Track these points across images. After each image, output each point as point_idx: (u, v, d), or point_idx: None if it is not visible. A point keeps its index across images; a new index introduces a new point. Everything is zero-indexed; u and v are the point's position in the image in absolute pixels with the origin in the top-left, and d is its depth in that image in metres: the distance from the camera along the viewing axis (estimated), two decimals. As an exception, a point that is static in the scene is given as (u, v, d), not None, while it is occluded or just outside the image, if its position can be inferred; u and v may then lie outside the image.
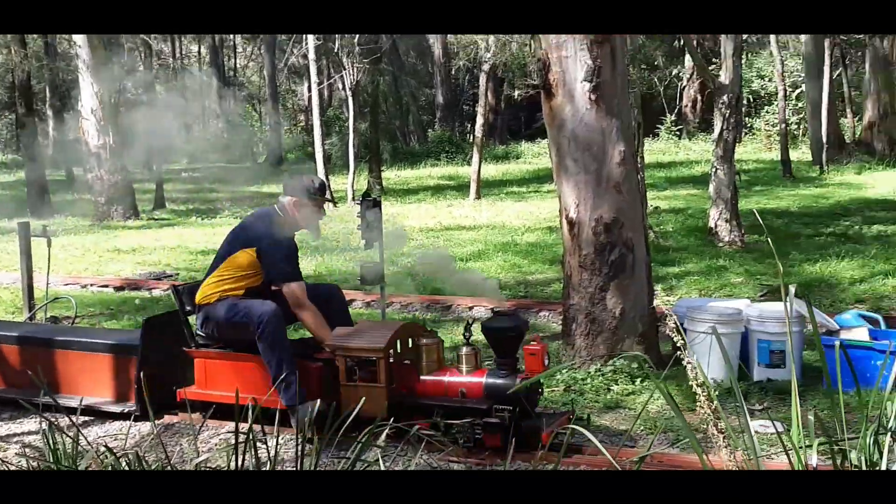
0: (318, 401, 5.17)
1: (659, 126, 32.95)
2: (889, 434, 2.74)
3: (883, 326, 6.94)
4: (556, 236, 13.57)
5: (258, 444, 3.11)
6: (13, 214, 19.61)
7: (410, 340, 5.72)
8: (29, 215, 19.69)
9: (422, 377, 5.54)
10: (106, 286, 11.38)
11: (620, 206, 6.92)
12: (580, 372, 6.73)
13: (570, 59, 6.87)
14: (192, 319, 6.11)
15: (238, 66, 53.04)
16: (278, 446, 3.30)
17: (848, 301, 9.11)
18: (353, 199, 21.20)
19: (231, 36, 49.61)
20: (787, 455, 2.63)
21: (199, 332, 6.00)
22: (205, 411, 5.72)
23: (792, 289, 2.99)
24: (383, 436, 3.58)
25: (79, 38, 19.38)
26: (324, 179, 6.72)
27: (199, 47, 49.69)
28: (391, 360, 5.49)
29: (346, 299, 6.78)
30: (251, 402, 3.36)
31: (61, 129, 36.86)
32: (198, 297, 5.90)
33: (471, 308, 9.36)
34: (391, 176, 27.64)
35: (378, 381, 5.35)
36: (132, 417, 5.61)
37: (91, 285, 11.42)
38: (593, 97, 6.83)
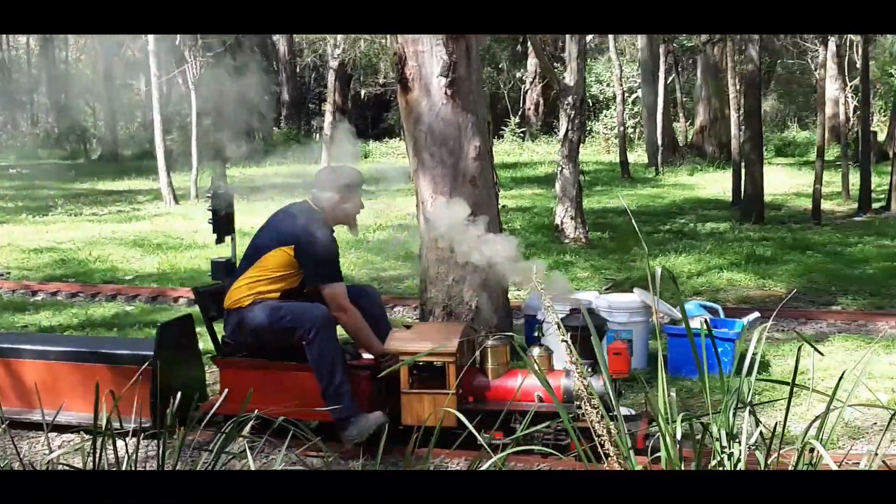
0: (380, 413, 4.89)
1: (503, 128, 33.55)
2: (747, 408, 2.87)
3: (722, 316, 7.30)
4: (408, 234, 13.64)
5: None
6: None
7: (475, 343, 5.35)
8: None
9: (492, 382, 5.18)
10: (-72, 286, 10.77)
11: (476, 200, 7.00)
12: (438, 365, 6.78)
13: (426, 53, 6.92)
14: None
15: (70, 58, 51.01)
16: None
17: (687, 293, 9.55)
18: (197, 196, 20.75)
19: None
20: (660, 428, 2.72)
21: (226, 339, 5.50)
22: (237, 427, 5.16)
23: (659, 272, 3.09)
24: (247, 428, 3.51)
25: None
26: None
27: (28, 39, 47.59)
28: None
29: (382, 301, 6.32)
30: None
31: None
32: (228, 301, 5.42)
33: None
34: (236, 173, 27.11)
35: (447, 388, 4.93)
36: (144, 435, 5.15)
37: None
38: (449, 92, 6.90)
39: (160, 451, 3.13)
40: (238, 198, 7.38)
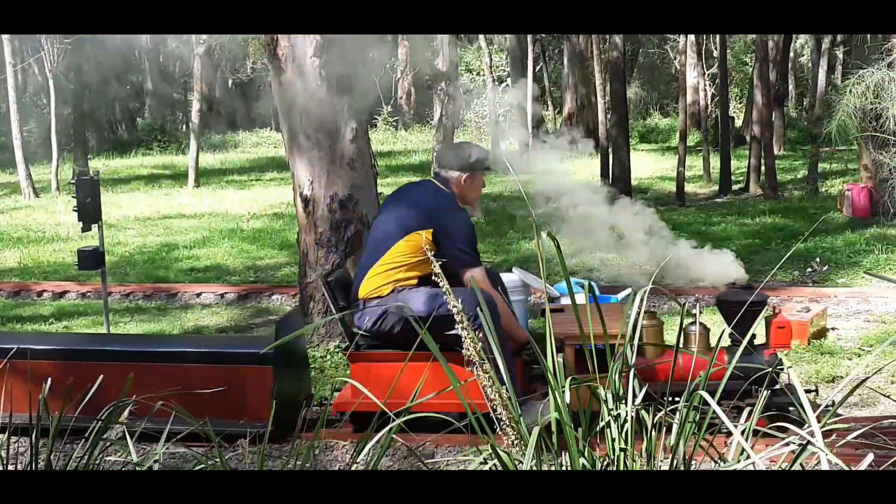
0: (548, 399, 4.48)
1: (376, 117, 33.52)
2: (632, 370, 2.94)
3: (598, 293, 7.47)
4: (283, 223, 13.58)
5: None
6: None
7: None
8: None
9: (652, 362, 4.86)
10: None
11: (355, 183, 7.00)
12: (319, 350, 6.74)
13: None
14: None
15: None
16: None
17: (561, 273, 9.74)
18: (58, 188, 20.09)
19: None
20: (552, 393, 2.76)
21: (362, 330, 5.05)
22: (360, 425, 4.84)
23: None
24: (125, 413, 3.42)
25: None
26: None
27: None
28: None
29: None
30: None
31: None
32: (363, 291, 5.02)
33: (198, 295, 9.12)
34: (99, 165, 26.35)
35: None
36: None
37: None
38: (322, 73, 6.85)
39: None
40: (103, 188, 7.20)
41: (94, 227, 6.79)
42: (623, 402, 2.82)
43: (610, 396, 2.88)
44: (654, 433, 2.73)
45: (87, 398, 3.83)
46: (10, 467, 3.39)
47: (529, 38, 26.40)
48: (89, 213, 6.73)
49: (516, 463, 2.62)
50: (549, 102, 32.18)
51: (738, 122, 25.82)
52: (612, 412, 2.80)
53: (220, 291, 9.18)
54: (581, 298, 6.73)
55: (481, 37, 25.70)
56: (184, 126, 32.14)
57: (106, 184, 21.35)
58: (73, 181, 7.02)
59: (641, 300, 3.10)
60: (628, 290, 7.63)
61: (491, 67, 25.93)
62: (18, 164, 20.15)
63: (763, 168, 16.11)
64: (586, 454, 2.67)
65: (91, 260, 6.85)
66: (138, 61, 38.45)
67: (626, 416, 2.79)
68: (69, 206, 6.81)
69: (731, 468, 2.52)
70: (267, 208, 15.84)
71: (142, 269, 10.59)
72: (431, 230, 4.97)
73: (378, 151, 27.56)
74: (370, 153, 7.37)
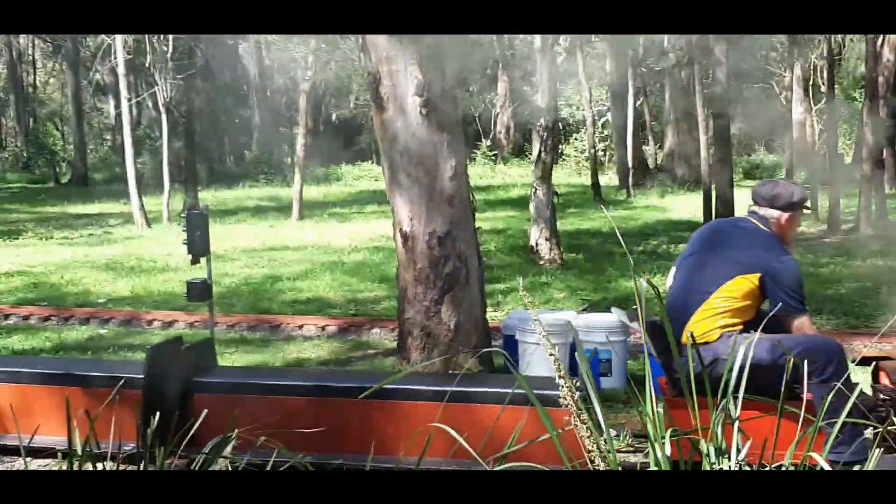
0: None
1: (475, 151, 33.64)
2: (735, 424, 2.86)
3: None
4: (383, 255, 13.66)
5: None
6: None
7: None
8: None
9: None
10: None
11: (453, 219, 7.01)
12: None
13: (401, 73, 6.92)
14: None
15: (38, 82, 50.69)
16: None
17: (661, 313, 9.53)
18: (169, 219, 20.65)
19: (30, 51, 47.41)
20: (650, 445, 2.71)
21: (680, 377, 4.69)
22: None
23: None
24: (229, 447, 3.46)
25: None
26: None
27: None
28: None
29: None
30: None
31: None
32: (694, 336, 4.49)
33: (300, 327, 9.23)
34: (208, 196, 27.03)
35: None
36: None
37: None
38: (424, 111, 6.90)
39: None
40: (212, 219, 7.34)
41: (203, 260, 6.96)
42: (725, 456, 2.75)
43: (713, 450, 2.81)
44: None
45: (192, 431, 3.92)
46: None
47: (630, 71, 26.20)
48: (198, 247, 6.88)
49: None
50: (650, 137, 31.82)
51: (848, 160, 25.08)
52: (714, 466, 2.73)
53: (322, 324, 9.25)
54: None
55: (580, 71, 25.60)
56: (289, 159, 32.73)
57: (214, 215, 21.86)
58: (183, 214, 7.18)
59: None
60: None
61: (590, 102, 25.83)
62: (132, 194, 20.76)
63: (873, 207, 15.60)
64: None
65: (199, 292, 6.99)
66: (246, 95, 39.47)
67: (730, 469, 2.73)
68: (179, 237, 6.95)
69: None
70: (367, 241, 15.94)
71: (247, 300, 10.73)
72: (759, 274, 4.75)
73: (476, 185, 27.64)
74: (469, 190, 7.38)
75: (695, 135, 22.80)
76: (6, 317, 10.10)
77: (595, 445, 2.63)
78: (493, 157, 34.51)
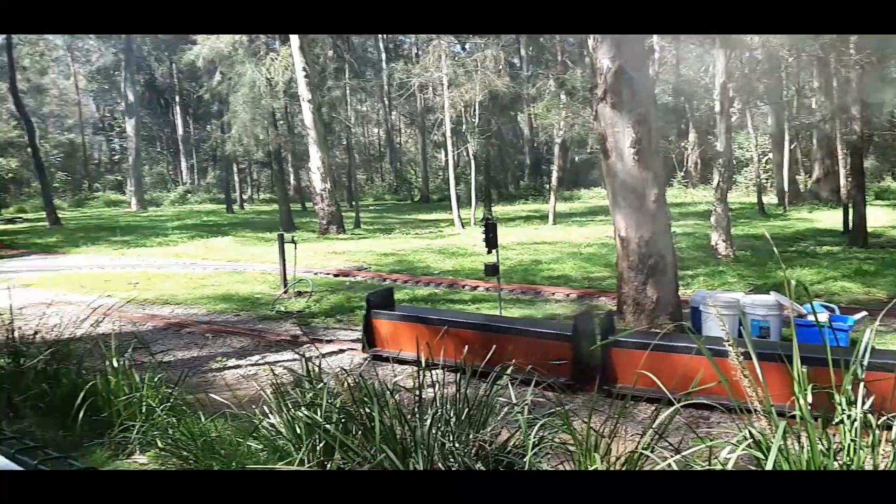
0: None
1: (672, 179, 31.89)
2: (861, 382, 2.52)
3: (837, 313, 6.50)
4: (607, 249, 13.27)
5: None
6: (273, 229, 20.36)
7: None
8: (281, 229, 20.43)
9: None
10: (328, 273, 11.59)
11: (655, 229, 6.71)
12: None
13: (620, 133, 6.70)
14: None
15: (401, 141, 53.66)
16: None
17: (809, 297, 8.57)
18: (475, 223, 21.24)
19: (398, 122, 50.24)
20: (797, 397, 2.44)
21: None
22: None
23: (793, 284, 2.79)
24: (509, 369, 3.52)
25: (308, 121, 19.95)
26: None
27: (348, 106, 50.42)
28: None
29: None
30: None
31: (298, 178, 38.17)
32: None
33: (553, 293, 9.18)
34: (498, 210, 27.56)
35: None
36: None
37: (319, 273, 11.63)
38: (636, 158, 6.64)
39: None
40: (499, 223, 7.44)
41: (494, 252, 7.10)
42: (853, 405, 2.43)
43: (844, 400, 2.50)
44: (878, 431, 2.33)
45: (488, 356, 4.03)
46: (438, 391, 3.59)
47: (786, 125, 23.78)
48: (491, 243, 7.04)
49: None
50: (802, 170, 28.63)
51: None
52: (844, 412, 2.42)
53: (567, 292, 9.15)
54: (824, 316, 5.91)
55: (749, 124, 23.57)
56: (547, 185, 32.62)
57: (501, 221, 22.38)
58: (482, 222, 7.33)
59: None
60: (864, 313, 6.57)
61: (756, 146, 23.78)
62: (453, 208, 21.54)
63: None
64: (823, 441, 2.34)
65: (492, 270, 7.14)
66: (522, 146, 39.71)
67: (855, 416, 2.40)
68: (480, 235, 7.12)
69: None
70: (597, 239, 15.55)
71: (520, 275, 10.79)
72: None
73: (672, 202, 26.26)
74: (666, 207, 7.02)
75: (836, 168, 20.32)
76: (383, 280, 10.82)
77: (753, 390, 2.42)
78: (686, 184, 32.54)
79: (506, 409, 3.57)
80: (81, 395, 4.05)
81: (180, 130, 47.87)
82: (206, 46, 23.70)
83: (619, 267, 6.97)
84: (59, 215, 27.25)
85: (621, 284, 6.89)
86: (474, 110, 22.21)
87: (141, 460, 3.80)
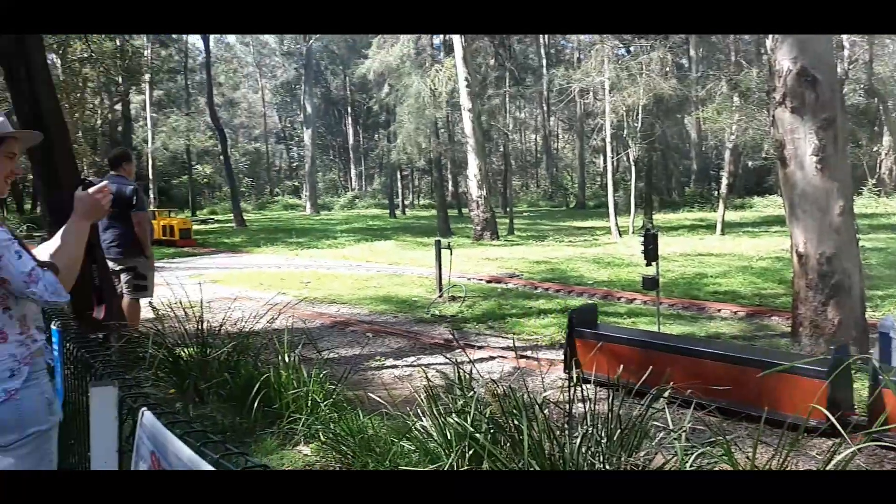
0: None
1: (862, 187, 28.67)
2: None
3: None
4: (782, 264, 12.20)
5: None
6: (431, 234, 21.07)
7: None
8: (438, 234, 21.08)
9: None
10: (480, 279, 11.74)
11: (839, 244, 6.06)
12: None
13: (801, 139, 6.13)
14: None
15: (558, 147, 53.15)
16: None
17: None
18: (633, 232, 20.51)
19: (556, 129, 49.85)
20: None
21: None
22: None
23: None
24: (667, 392, 3.32)
25: (468, 129, 20.37)
26: None
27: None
28: None
29: None
30: None
31: (457, 185, 39.14)
32: None
33: (718, 310, 8.60)
34: (659, 218, 26.40)
35: None
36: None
37: (472, 278, 11.80)
38: (819, 167, 6.05)
39: None
40: (660, 234, 7.10)
41: (654, 264, 6.80)
42: None
43: None
44: None
45: (645, 375, 3.86)
46: (589, 408, 3.48)
47: None
48: (650, 255, 6.74)
49: None
50: None
51: None
52: None
53: (734, 310, 8.52)
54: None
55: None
56: (715, 192, 30.69)
57: (662, 230, 21.41)
58: (642, 232, 7.05)
59: None
60: None
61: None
62: (611, 215, 20.97)
63: None
64: None
65: (650, 283, 6.84)
66: (688, 150, 37.69)
67: None
68: (638, 246, 6.84)
69: None
70: (770, 252, 14.32)
71: (682, 289, 10.23)
72: None
73: (861, 213, 23.58)
74: (853, 220, 6.31)
75: None
76: (535, 288, 10.76)
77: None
78: (878, 192, 29.13)
79: (661, 434, 3.40)
80: (257, 386, 4.44)
81: (351, 140, 51.08)
82: (376, 60, 25.10)
83: (795, 285, 6.38)
84: (245, 217, 30.15)
85: (797, 304, 6.29)
86: (637, 114, 21.45)
87: (305, 451, 4.08)
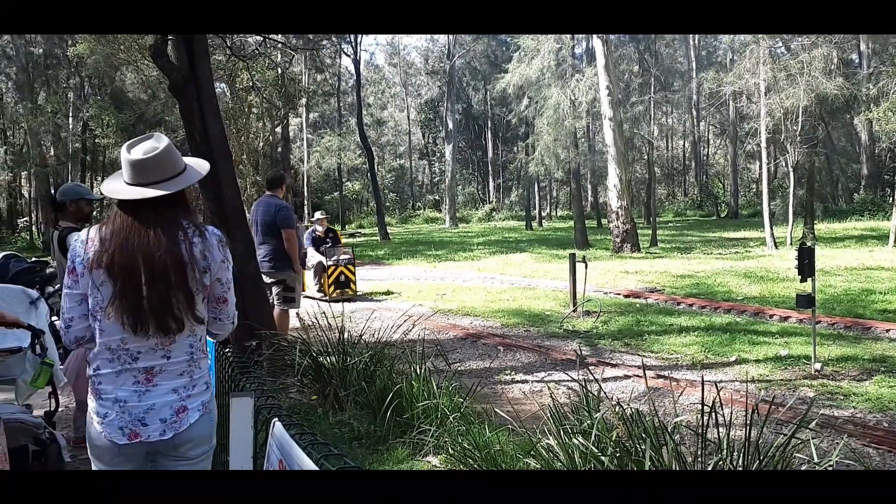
0: None
1: None
2: None
3: None
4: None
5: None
6: (567, 246, 20.78)
7: None
8: (575, 247, 20.73)
9: None
10: (618, 294, 11.44)
11: None
12: None
13: None
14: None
15: (709, 153, 50.43)
16: None
17: None
18: (791, 243, 18.93)
19: (707, 134, 47.29)
20: None
21: None
22: None
23: None
24: None
25: (608, 138, 19.91)
26: None
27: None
28: None
29: None
30: None
31: (596, 195, 38.34)
32: None
33: (887, 331, 7.73)
34: (822, 227, 24.16)
35: None
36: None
37: (609, 293, 11.53)
38: None
39: None
40: (823, 245, 6.53)
41: (809, 280, 6.27)
42: None
43: None
44: None
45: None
46: (725, 435, 3.24)
47: None
48: (806, 271, 6.24)
49: None
50: None
51: None
52: None
53: (907, 330, 7.66)
54: None
55: None
56: (891, 198, 27.54)
57: (825, 241, 19.56)
58: (797, 247, 6.54)
59: None
60: None
61: None
62: (766, 225, 19.55)
63: None
64: None
65: (805, 301, 6.32)
66: (859, 154, 34.24)
67: None
68: (795, 260, 6.33)
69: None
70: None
71: (845, 306, 9.28)
72: None
73: None
74: None
75: None
76: (678, 304, 10.28)
77: None
78: None
79: (804, 468, 3.12)
80: (390, 395, 4.63)
81: (490, 153, 51.72)
82: (516, 74, 25.28)
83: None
84: (389, 231, 31.46)
85: None
86: (796, 117, 19.83)
87: (434, 462, 4.19)
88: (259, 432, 2.20)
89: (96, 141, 32.69)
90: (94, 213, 5.04)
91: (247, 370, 2.68)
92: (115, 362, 2.06)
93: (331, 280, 11.47)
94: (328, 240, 12.13)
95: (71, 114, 33.27)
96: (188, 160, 2.27)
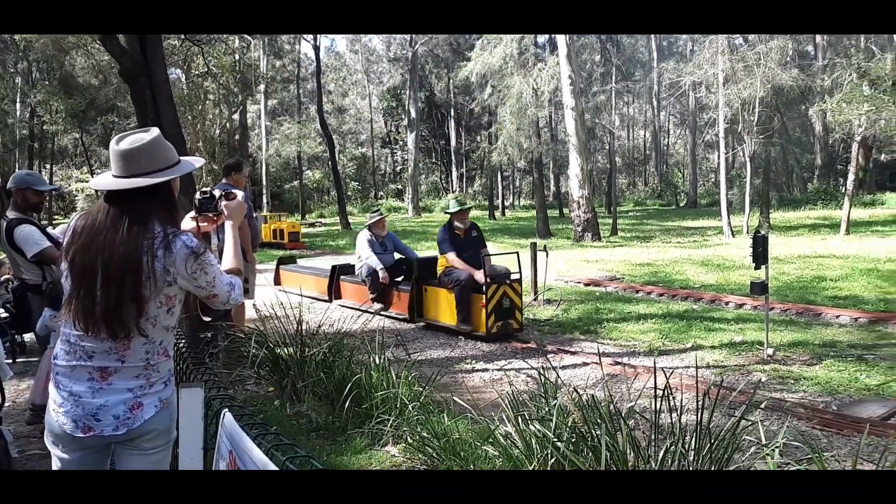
0: None
1: None
2: None
3: None
4: (914, 266, 11.19)
5: None
6: (529, 235, 20.94)
7: None
8: (537, 236, 20.91)
9: None
10: (579, 282, 11.56)
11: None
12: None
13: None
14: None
15: (667, 143, 51.28)
16: None
17: None
18: (747, 231, 19.44)
19: (667, 125, 48.02)
20: None
21: None
22: None
23: None
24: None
25: (570, 128, 20.08)
26: None
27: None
28: None
29: None
30: None
31: (558, 185, 38.70)
32: None
33: (837, 316, 8.01)
34: (777, 216, 24.84)
35: None
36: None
37: (569, 281, 11.63)
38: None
39: None
40: (777, 233, 6.72)
41: (763, 268, 6.45)
42: None
43: None
44: None
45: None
46: (677, 419, 3.33)
47: None
48: (759, 259, 6.41)
49: None
50: None
51: None
52: None
53: (855, 315, 7.92)
54: None
55: None
56: (842, 189, 28.51)
57: (780, 230, 20.14)
58: (751, 235, 6.71)
59: None
60: None
61: None
62: (723, 214, 20.02)
63: None
64: None
65: (759, 289, 6.50)
66: (812, 144, 35.22)
67: None
68: (750, 249, 6.49)
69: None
70: (901, 253, 13.17)
71: (797, 293, 9.60)
72: None
73: None
74: None
75: None
76: (636, 291, 10.46)
77: None
78: None
79: (753, 449, 3.23)
80: (349, 386, 4.63)
81: (453, 142, 51.66)
82: (478, 62, 25.27)
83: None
84: (350, 220, 31.24)
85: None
86: (753, 107, 20.32)
87: (392, 452, 4.21)
88: (210, 424, 2.18)
89: (44, 128, 31.65)
90: (44, 203, 4.90)
91: (201, 362, 2.64)
92: (72, 356, 2.08)
93: (490, 308, 7.38)
94: (468, 242, 8.06)
95: (18, 99, 32.14)
96: (187, 159, 2.29)
